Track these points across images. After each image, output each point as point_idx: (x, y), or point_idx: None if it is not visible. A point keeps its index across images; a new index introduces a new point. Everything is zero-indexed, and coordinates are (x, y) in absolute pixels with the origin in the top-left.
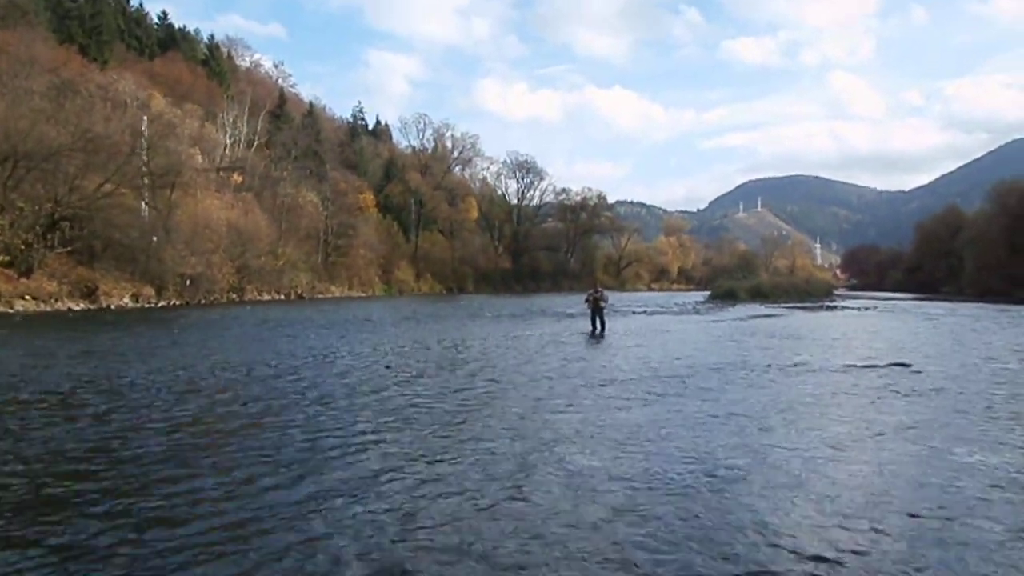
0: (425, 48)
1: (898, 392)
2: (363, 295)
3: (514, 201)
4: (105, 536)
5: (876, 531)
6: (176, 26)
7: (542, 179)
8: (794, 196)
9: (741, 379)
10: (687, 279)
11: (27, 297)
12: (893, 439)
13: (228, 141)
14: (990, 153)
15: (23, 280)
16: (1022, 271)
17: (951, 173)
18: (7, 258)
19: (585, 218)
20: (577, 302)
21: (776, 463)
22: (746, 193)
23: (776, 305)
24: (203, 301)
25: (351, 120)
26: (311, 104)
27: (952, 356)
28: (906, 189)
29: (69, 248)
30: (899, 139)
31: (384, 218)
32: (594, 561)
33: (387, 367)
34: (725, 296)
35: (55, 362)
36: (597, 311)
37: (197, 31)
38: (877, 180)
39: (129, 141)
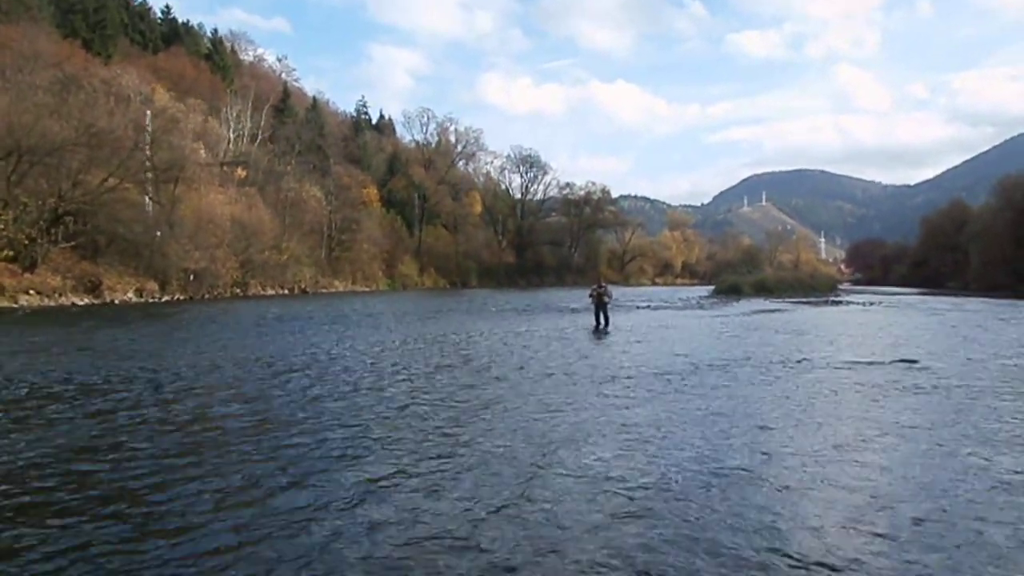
0: (428, 42)
1: (903, 389)
2: (367, 289)
3: (518, 195)
4: (97, 546)
5: (879, 535)
6: (179, 20)
7: (546, 173)
8: (799, 190)
9: (744, 376)
10: (691, 274)
11: (31, 292)
12: (897, 438)
13: (232, 136)
14: (996, 147)
15: (27, 275)
16: None
17: (957, 167)
18: (11, 253)
19: (589, 212)
20: (581, 297)
21: (779, 463)
22: (750, 187)
23: (780, 300)
24: (207, 296)
25: (355, 114)
26: (315, 98)
27: (958, 352)
28: (911, 183)
29: (73, 243)
30: (904, 133)
31: (388, 212)
32: (595, 564)
33: (390, 364)
34: (729, 291)
35: (50, 358)
36: (601, 306)
37: (200, 25)
38: (882, 174)
39: (132, 136)
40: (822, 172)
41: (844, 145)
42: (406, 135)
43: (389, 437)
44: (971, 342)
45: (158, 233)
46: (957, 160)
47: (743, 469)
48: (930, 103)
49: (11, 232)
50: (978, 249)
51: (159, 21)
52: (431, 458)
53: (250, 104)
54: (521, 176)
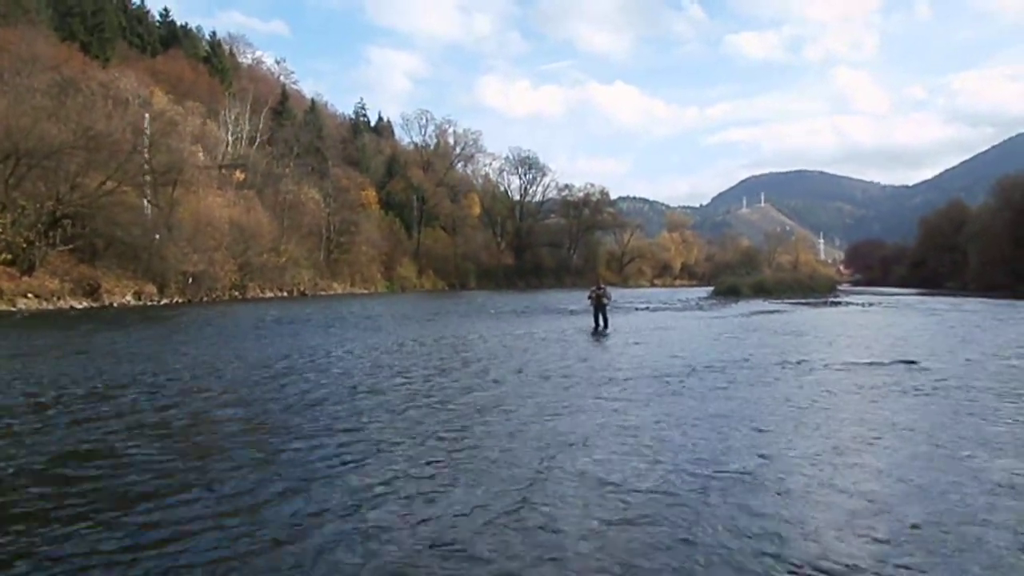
0: (426, 45)
1: (902, 391)
2: (365, 292)
3: (516, 197)
4: (86, 556)
5: (876, 539)
6: (178, 23)
7: (544, 175)
8: (797, 191)
9: (743, 378)
10: (690, 275)
11: (29, 295)
12: (896, 441)
13: (230, 138)
14: (994, 147)
15: (25, 278)
16: None
17: (955, 167)
18: (9, 256)
19: (588, 214)
20: (580, 298)
21: (776, 467)
22: (749, 189)
23: (779, 301)
24: (205, 299)
25: (353, 117)
26: (313, 101)
27: (957, 353)
28: (910, 184)
29: (71, 246)
30: (903, 134)
31: (386, 215)
32: (592, 570)
33: (387, 368)
34: (728, 292)
35: (46, 361)
36: (600, 308)
37: (199, 28)
38: (881, 175)
39: (131, 139)
40: (821, 173)
41: (843, 146)
42: (405, 137)
43: (385, 442)
44: (970, 342)
45: (156, 236)
46: (956, 160)
47: (741, 473)
48: (929, 104)
49: (9, 235)
50: (977, 249)
51: (157, 24)
52: (427, 463)
53: (248, 107)
54: (520, 178)
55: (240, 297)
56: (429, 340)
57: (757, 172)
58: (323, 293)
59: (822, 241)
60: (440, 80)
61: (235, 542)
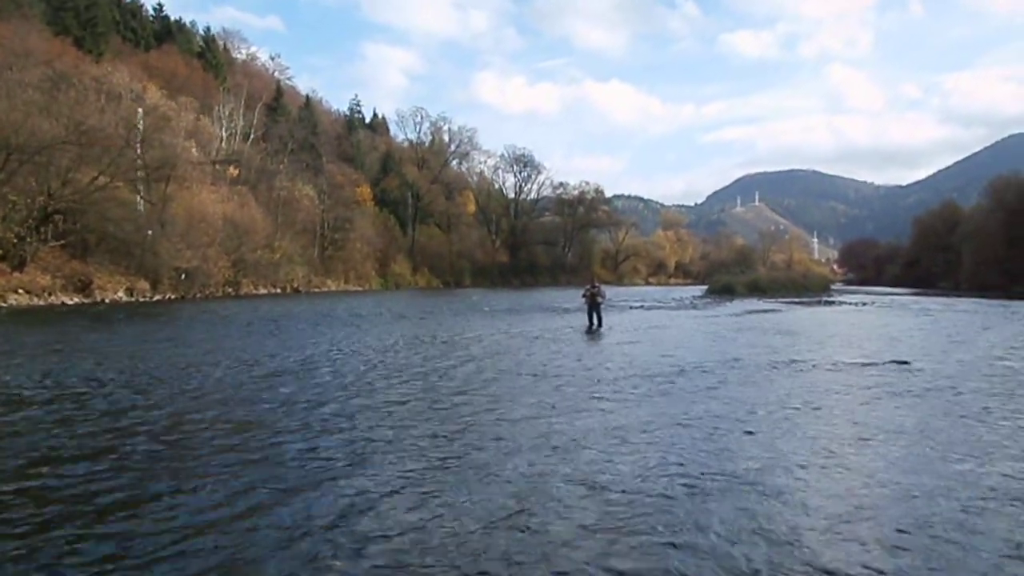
0: (422, 41)
1: (894, 392)
2: (359, 289)
3: (512, 195)
4: (60, 569)
5: (861, 545)
6: (172, 18)
7: (540, 173)
8: (792, 190)
9: (733, 378)
10: (685, 273)
11: (20, 291)
12: (885, 444)
13: (224, 134)
14: (987, 148)
15: (16, 274)
16: (1019, 266)
17: (949, 168)
18: (0, 252)
19: (583, 212)
20: (574, 296)
21: (762, 471)
22: (744, 187)
23: (773, 300)
24: (198, 295)
25: (348, 113)
26: (308, 97)
27: (949, 353)
28: (903, 183)
29: (63, 242)
30: (897, 133)
31: (381, 211)
32: (577, 573)
33: (377, 367)
34: (722, 291)
35: (24, 360)
36: (594, 306)
37: (193, 23)
38: (875, 174)
39: (123, 134)
40: (815, 172)
41: (837, 145)
42: (400, 134)
43: (371, 446)
44: (963, 343)
45: (149, 232)
46: (949, 161)
47: (727, 476)
48: (923, 103)
49: (0, 231)
50: (970, 249)
51: (151, 19)
52: (417, 467)
53: (243, 102)
54: (515, 175)
55: (233, 294)
56: (421, 339)
57: (752, 171)
58: (317, 290)
59: (816, 240)
60: (436, 77)
61: (218, 552)
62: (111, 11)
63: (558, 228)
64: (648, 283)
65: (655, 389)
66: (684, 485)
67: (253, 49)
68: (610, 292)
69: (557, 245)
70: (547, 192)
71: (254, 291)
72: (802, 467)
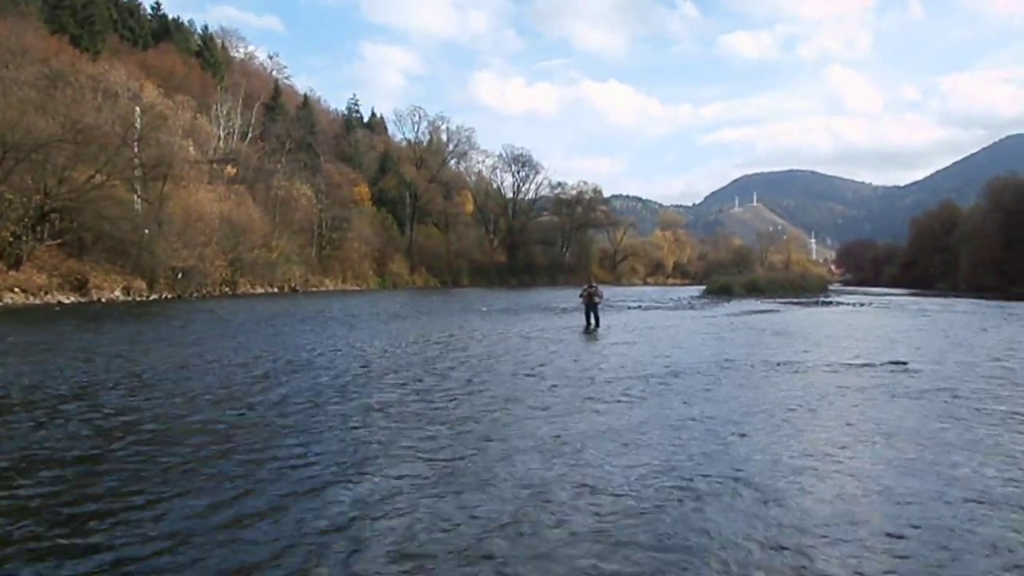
0: (421, 41)
1: (889, 394)
2: (357, 288)
3: (510, 195)
4: None
5: (850, 550)
6: (169, 17)
7: (538, 173)
8: (790, 191)
9: (729, 379)
10: (683, 274)
11: (16, 290)
12: (880, 447)
13: (222, 133)
14: (985, 149)
15: (12, 273)
16: (1017, 267)
17: (947, 168)
18: None
19: (581, 212)
20: (572, 296)
21: (754, 474)
22: (742, 188)
23: (771, 300)
24: (195, 294)
25: (346, 113)
26: (306, 96)
27: (946, 354)
28: (901, 184)
29: (59, 240)
30: (896, 134)
31: (379, 211)
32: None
33: (371, 368)
34: (720, 291)
35: (8, 359)
36: (591, 306)
37: (191, 22)
38: (873, 175)
39: (120, 132)
40: (812, 173)
41: (835, 146)
42: (398, 133)
43: (364, 450)
44: (960, 344)
45: (146, 231)
46: (947, 162)
47: (718, 478)
48: (922, 105)
49: None
50: (968, 250)
51: (149, 17)
52: (406, 474)
53: (241, 101)
54: (513, 175)
55: (230, 293)
56: (416, 339)
57: (750, 171)
58: (314, 289)
59: (813, 241)
60: (434, 77)
61: (204, 563)
62: (108, 9)
63: (556, 228)
64: (646, 283)
65: (650, 390)
66: (676, 488)
67: (251, 48)
68: (608, 292)
69: (555, 245)
70: (545, 192)
71: (251, 290)
72: (793, 469)
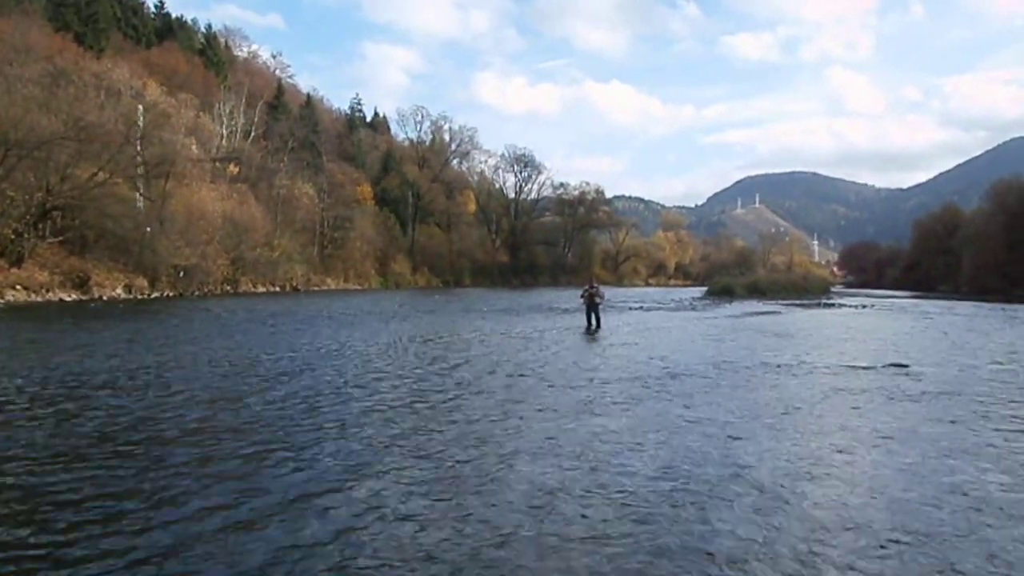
0: (423, 41)
1: (889, 397)
2: (359, 288)
3: (512, 195)
4: None
5: (843, 557)
6: (173, 15)
7: (540, 173)
8: (792, 193)
9: (728, 381)
10: (685, 275)
11: (18, 287)
12: (878, 451)
13: (224, 132)
14: (988, 151)
15: (14, 270)
16: (1019, 269)
17: (949, 171)
18: None
19: (583, 212)
20: (574, 297)
21: (751, 479)
22: (744, 189)
23: (773, 302)
24: (197, 293)
25: (349, 112)
26: (309, 95)
27: (948, 357)
28: (904, 186)
29: (61, 238)
30: (898, 136)
31: (381, 210)
32: None
33: (370, 367)
34: (722, 292)
35: (5, 358)
36: (593, 307)
37: (194, 21)
38: (875, 177)
39: (123, 130)
40: (815, 174)
41: (837, 148)
42: (400, 133)
43: (364, 453)
44: (962, 347)
45: (148, 229)
46: (950, 164)
47: (714, 484)
48: (924, 106)
49: None
50: (970, 253)
51: (152, 16)
52: (406, 478)
53: (243, 100)
54: (515, 175)
55: (232, 291)
56: (417, 339)
57: (752, 173)
58: (316, 289)
59: (816, 243)
60: (436, 76)
61: (200, 567)
62: (112, 8)
63: (558, 228)
64: (648, 284)
65: (650, 392)
66: (669, 492)
67: (254, 47)
68: (609, 293)
69: (557, 245)
70: (547, 192)
71: (253, 289)
72: (788, 475)
